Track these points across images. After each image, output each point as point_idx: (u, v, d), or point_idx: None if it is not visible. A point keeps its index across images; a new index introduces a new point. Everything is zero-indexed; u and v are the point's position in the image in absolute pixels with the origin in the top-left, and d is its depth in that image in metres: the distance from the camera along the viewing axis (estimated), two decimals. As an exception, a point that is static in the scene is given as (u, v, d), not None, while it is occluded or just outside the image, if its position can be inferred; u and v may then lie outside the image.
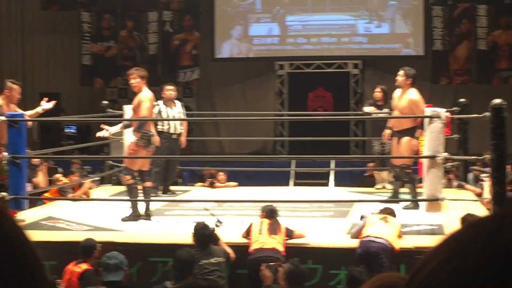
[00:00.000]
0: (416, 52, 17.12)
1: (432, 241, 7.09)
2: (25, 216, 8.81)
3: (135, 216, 8.95)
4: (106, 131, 9.39)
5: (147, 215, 9.04)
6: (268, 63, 17.89)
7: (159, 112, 10.81)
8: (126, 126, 9.63)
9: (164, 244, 7.76)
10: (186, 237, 7.43)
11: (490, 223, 0.82)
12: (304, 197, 10.52)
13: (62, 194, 10.87)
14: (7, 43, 18.89)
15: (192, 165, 14.70)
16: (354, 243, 7.51)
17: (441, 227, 8.23)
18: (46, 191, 11.00)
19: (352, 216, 9.07)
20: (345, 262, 7.28)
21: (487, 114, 7.48)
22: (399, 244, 7.44)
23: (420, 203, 9.17)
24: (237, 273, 7.60)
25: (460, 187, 11.64)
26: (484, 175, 10.52)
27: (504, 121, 7.34)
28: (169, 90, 11.08)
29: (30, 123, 9.42)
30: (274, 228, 7.61)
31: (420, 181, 9.18)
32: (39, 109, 9.44)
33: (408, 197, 9.84)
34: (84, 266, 7.02)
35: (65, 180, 11.41)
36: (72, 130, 17.70)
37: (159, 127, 10.66)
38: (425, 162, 8.57)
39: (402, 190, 10.16)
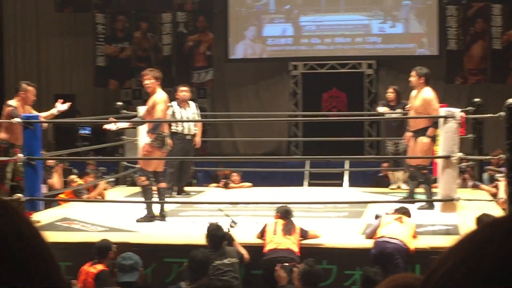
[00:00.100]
0: (430, 52, 17.06)
1: (447, 242, 7.08)
2: (41, 217, 8.85)
3: (149, 217, 8.97)
4: (114, 125, 9.41)
5: (162, 216, 9.05)
6: (282, 63, 17.87)
7: (173, 113, 10.82)
8: (134, 124, 9.70)
9: (178, 244, 7.78)
10: (200, 237, 7.44)
11: (506, 223, 0.82)
12: (319, 198, 10.51)
13: (77, 195, 10.91)
14: (22, 45, 18.97)
15: (207, 166, 14.72)
16: (369, 243, 7.50)
17: (456, 227, 8.20)
18: (61, 192, 11.05)
19: (367, 216, 9.05)
20: (360, 262, 7.27)
21: (502, 113, 7.45)
22: (414, 244, 7.42)
23: (435, 203, 9.14)
24: (252, 273, 7.61)
25: (475, 187, 11.60)
26: (499, 175, 10.47)
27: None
28: (183, 91, 11.09)
29: (45, 124, 9.45)
30: (288, 229, 7.61)
31: (435, 181, 9.15)
32: (54, 111, 9.48)
33: (423, 197, 9.81)
34: (99, 267, 7.04)
35: (80, 181, 11.45)
36: (87, 132, 17.74)
37: (173, 128, 10.68)
38: (440, 162, 8.55)
39: (417, 190, 10.13)
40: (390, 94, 11.59)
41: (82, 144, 16.38)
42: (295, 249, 7.46)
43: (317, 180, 14.28)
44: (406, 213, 7.92)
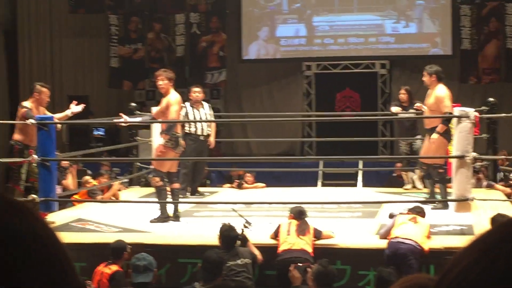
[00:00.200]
0: (444, 52, 17.01)
1: (461, 242, 7.04)
2: (55, 218, 8.89)
3: (163, 217, 8.98)
4: (125, 120, 9.42)
5: (176, 217, 9.07)
6: (295, 63, 17.86)
7: (186, 114, 10.84)
8: (144, 121, 9.75)
9: (193, 245, 7.79)
10: (214, 238, 7.44)
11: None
12: (332, 198, 10.50)
13: (91, 196, 10.94)
14: (36, 47, 19.04)
15: (220, 166, 14.73)
16: (383, 243, 7.48)
17: (470, 227, 8.18)
18: (75, 193, 11.09)
19: (381, 216, 9.03)
20: (374, 263, 7.25)
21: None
22: (428, 245, 7.39)
23: (449, 203, 9.11)
24: (265, 274, 7.61)
25: (489, 187, 11.56)
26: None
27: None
28: (196, 92, 11.10)
29: (59, 125, 9.49)
30: (302, 229, 7.61)
31: (449, 181, 9.12)
32: (68, 112, 9.52)
33: (437, 197, 9.78)
34: (114, 268, 7.06)
35: (94, 182, 11.49)
36: (101, 133, 17.79)
37: (186, 129, 10.70)
38: (454, 162, 8.52)
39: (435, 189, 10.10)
40: (403, 95, 11.56)
41: (96, 145, 16.43)
42: (309, 249, 7.46)
43: (331, 180, 14.27)
44: (421, 212, 7.89)
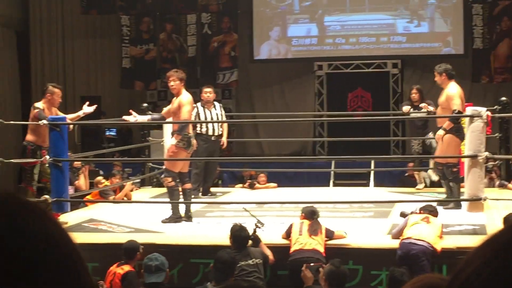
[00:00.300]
0: (456, 51, 16.95)
1: (474, 242, 7.01)
2: (68, 218, 8.91)
3: (175, 218, 8.99)
4: (134, 117, 9.43)
5: (188, 217, 9.07)
6: (307, 63, 17.84)
7: (197, 114, 10.85)
8: (153, 120, 9.75)
9: (205, 245, 7.79)
10: (226, 238, 7.45)
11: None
12: (344, 198, 10.48)
13: (103, 196, 10.96)
14: (49, 48, 19.10)
15: (232, 166, 14.73)
16: (395, 243, 7.46)
17: (483, 227, 8.15)
18: (87, 194, 11.12)
19: (393, 216, 9.01)
20: (386, 262, 7.24)
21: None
22: (440, 245, 7.37)
23: (462, 203, 9.08)
24: (278, 274, 7.61)
25: (502, 186, 11.52)
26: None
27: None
28: (207, 92, 11.10)
29: (71, 126, 9.53)
30: (314, 229, 7.60)
31: (463, 180, 9.09)
32: (80, 113, 9.55)
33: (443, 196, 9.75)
34: (126, 268, 7.07)
35: (106, 182, 11.52)
36: (113, 133, 17.84)
37: (197, 129, 10.71)
38: (466, 161, 8.50)
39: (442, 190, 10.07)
40: (414, 94, 11.53)
41: (108, 146, 16.47)
42: (321, 249, 7.45)
43: (343, 180, 14.25)
44: (433, 211, 7.85)
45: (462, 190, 9.14)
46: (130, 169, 13.79)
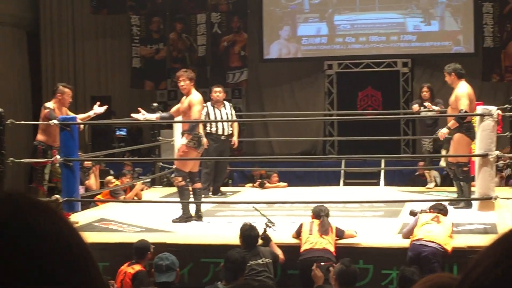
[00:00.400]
0: (466, 50, 16.91)
1: (485, 241, 7.01)
2: (78, 218, 8.93)
3: (186, 217, 9.00)
4: (142, 115, 9.45)
5: (198, 216, 9.08)
6: (317, 62, 17.83)
7: (207, 114, 10.86)
8: (162, 118, 9.76)
9: (215, 245, 7.80)
10: (237, 238, 7.45)
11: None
12: (355, 197, 10.47)
13: (114, 196, 10.99)
14: (59, 48, 19.14)
15: (242, 166, 14.74)
16: (406, 243, 7.45)
17: (494, 226, 8.12)
18: (98, 193, 11.14)
19: (403, 215, 8.99)
20: (396, 262, 7.23)
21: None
22: (451, 245, 7.34)
23: (472, 202, 9.06)
24: (288, 273, 7.61)
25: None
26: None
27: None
28: (217, 92, 11.11)
29: (81, 126, 9.54)
30: (325, 229, 7.59)
31: (473, 179, 9.07)
32: (90, 113, 9.57)
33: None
34: (137, 267, 7.08)
35: (116, 182, 11.54)
36: (123, 133, 17.87)
37: (208, 128, 10.72)
38: (477, 160, 8.47)
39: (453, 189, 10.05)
40: (425, 92, 11.52)
41: (118, 145, 16.50)
42: (331, 248, 7.45)
43: (353, 179, 14.23)
44: (442, 210, 7.82)
45: (472, 189, 9.12)
46: (140, 169, 13.83)
